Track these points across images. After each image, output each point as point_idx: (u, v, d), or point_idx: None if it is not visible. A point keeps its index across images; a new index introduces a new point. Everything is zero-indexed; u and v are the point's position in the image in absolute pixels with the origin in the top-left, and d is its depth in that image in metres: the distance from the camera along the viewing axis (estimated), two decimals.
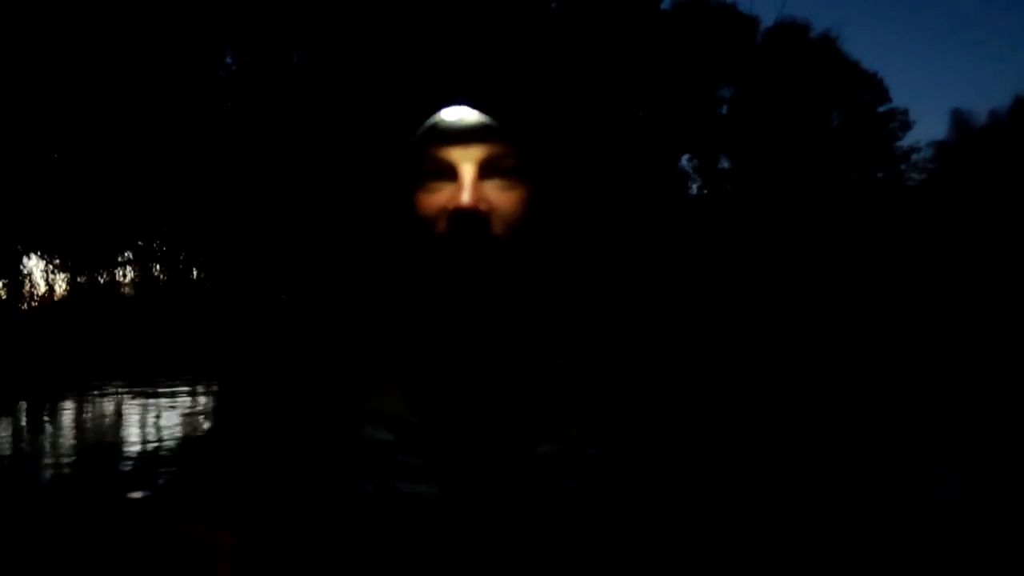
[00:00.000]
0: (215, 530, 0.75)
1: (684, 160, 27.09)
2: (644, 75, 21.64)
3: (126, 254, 12.74)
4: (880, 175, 29.32)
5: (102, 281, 11.85)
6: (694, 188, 27.42)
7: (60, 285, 11.50)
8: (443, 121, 0.72)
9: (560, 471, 0.72)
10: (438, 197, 0.73)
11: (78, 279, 11.46)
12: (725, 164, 27.40)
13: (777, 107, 26.88)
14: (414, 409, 0.74)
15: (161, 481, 4.90)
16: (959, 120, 31.34)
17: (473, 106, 0.72)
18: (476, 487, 0.71)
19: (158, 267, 12.96)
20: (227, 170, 12.49)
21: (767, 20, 50.14)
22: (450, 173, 0.73)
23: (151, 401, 8.87)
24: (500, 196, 0.73)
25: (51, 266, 11.59)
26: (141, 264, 12.91)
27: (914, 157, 29.85)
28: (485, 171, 0.72)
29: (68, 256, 11.77)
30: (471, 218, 0.70)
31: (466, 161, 0.72)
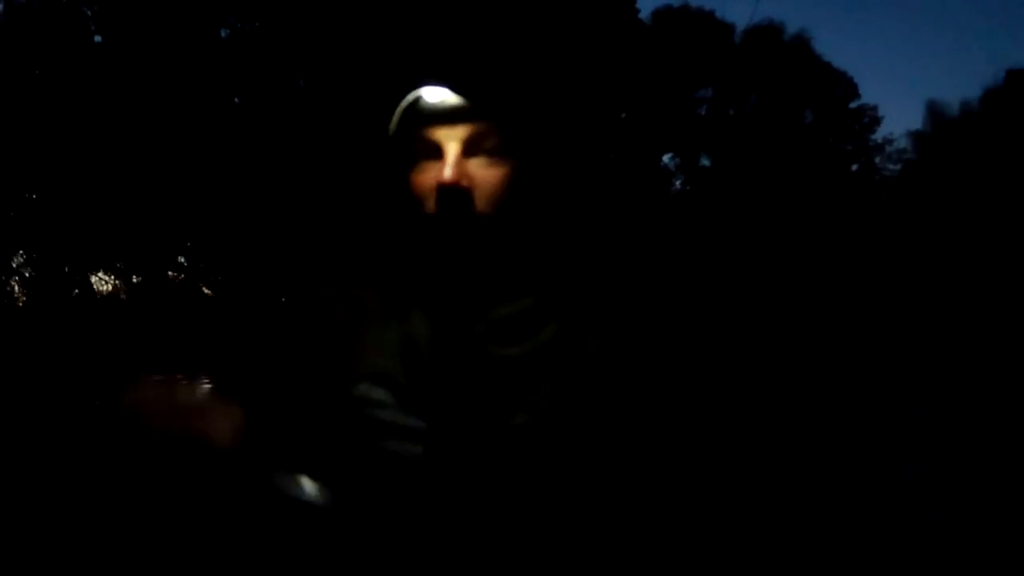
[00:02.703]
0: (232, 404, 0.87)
1: (667, 158, 28.12)
2: (627, 79, 22.85)
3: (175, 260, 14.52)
4: (855, 167, 30.66)
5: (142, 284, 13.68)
6: (677, 184, 28.48)
7: (112, 288, 13.69)
8: (429, 103, 0.76)
9: (533, 441, 0.73)
10: (428, 176, 0.77)
11: (134, 280, 13.39)
12: (706, 162, 28.52)
13: (754, 106, 28.31)
14: (407, 371, 0.79)
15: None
16: (934, 111, 32.45)
17: (459, 88, 0.75)
18: (457, 451, 0.74)
19: (196, 278, 14.70)
20: (246, 184, 13.89)
21: (743, 23, 50.43)
22: (437, 152, 0.76)
23: None
24: (484, 173, 0.76)
25: (107, 278, 13.63)
26: (185, 275, 14.63)
27: (888, 149, 31.19)
28: (469, 149, 0.76)
29: (120, 270, 13.66)
30: (453, 192, 0.74)
31: (451, 140, 0.75)
